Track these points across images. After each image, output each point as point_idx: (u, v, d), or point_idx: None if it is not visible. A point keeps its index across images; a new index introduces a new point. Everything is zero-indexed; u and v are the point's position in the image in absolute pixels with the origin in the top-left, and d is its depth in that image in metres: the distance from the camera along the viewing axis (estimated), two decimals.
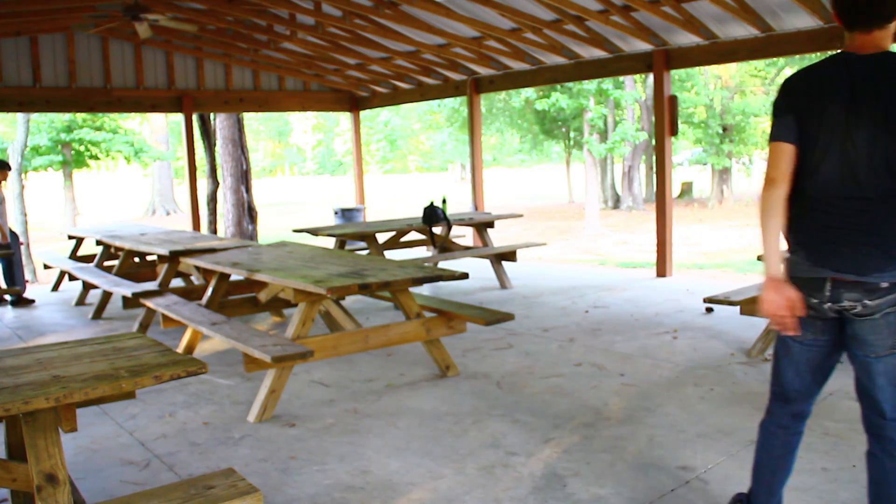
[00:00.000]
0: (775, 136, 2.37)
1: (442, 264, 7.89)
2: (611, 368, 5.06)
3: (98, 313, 7.42)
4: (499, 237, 15.00)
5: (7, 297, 8.22)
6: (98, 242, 8.01)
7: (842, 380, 4.61)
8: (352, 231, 7.51)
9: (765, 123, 24.10)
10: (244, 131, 13.46)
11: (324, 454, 3.78)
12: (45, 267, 9.04)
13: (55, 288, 9.15)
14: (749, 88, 22.88)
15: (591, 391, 4.60)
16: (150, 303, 5.91)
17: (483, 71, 10.20)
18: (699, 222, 19.71)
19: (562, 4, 7.34)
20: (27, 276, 15.04)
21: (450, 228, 8.20)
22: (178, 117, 15.04)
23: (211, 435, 4.13)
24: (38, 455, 2.48)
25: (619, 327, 6.23)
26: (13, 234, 8.57)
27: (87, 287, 8.03)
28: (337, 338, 4.54)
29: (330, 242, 9.64)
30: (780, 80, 23.05)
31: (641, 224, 20.12)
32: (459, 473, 3.49)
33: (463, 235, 9.30)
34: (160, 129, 29.86)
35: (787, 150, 2.35)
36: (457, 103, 22.89)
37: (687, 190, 27.02)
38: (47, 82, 9.79)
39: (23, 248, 10.01)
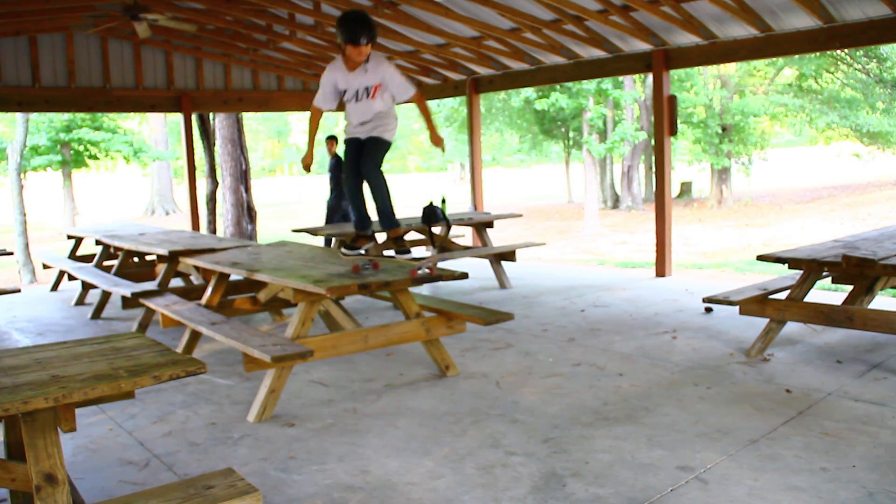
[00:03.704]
0: None
1: (441, 264, 7.88)
2: (610, 368, 5.06)
3: (97, 313, 7.42)
4: (498, 237, 15.00)
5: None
6: (97, 242, 8.00)
7: (841, 379, 4.61)
8: (351, 231, 7.50)
9: (765, 123, 24.12)
10: (243, 131, 13.47)
11: (323, 454, 3.78)
12: (45, 267, 9.03)
13: (54, 288, 9.15)
14: (749, 88, 22.88)
15: (591, 391, 4.60)
16: (149, 303, 5.91)
17: (482, 71, 10.20)
18: (698, 222, 19.72)
19: (561, 4, 7.34)
20: (26, 276, 15.04)
21: (449, 228, 8.20)
22: (178, 117, 15.05)
23: (210, 435, 4.12)
24: (38, 455, 2.48)
25: (619, 327, 6.23)
26: None
27: (87, 287, 8.02)
28: (336, 338, 4.54)
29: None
30: (780, 79, 23.09)
31: (641, 224, 20.13)
32: (459, 473, 3.49)
33: (462, 235, 9.29)
34: (159, 129, 29.85)
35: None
36: (456, 103, 22.89)
37: (686, 190, 27.02)
38: (46, 82, 9.78)
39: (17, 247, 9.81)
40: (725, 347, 5.45)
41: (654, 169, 8.81)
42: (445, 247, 8.30)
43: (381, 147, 4.85)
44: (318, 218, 21.90)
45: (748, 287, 5.50)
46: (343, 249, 5.00)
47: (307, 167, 5.04)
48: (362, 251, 4.97)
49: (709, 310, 6.59)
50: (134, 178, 45.16)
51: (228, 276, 5.60)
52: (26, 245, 15.36)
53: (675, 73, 19.25)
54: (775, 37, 7.24)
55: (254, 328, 4.71)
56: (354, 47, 4.56)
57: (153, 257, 7.91)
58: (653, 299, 7.29)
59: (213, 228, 13.34)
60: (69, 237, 8.96)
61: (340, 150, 11.15)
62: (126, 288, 6.38)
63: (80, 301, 8.15)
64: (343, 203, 10.92)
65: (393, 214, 4.96)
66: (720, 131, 22.22)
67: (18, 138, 16.25)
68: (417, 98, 4.81)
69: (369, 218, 5.10)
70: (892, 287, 5.57)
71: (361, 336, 4.61)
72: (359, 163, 4.85)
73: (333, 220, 11.06)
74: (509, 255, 8.21)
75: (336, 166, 10.90)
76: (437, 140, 4.98)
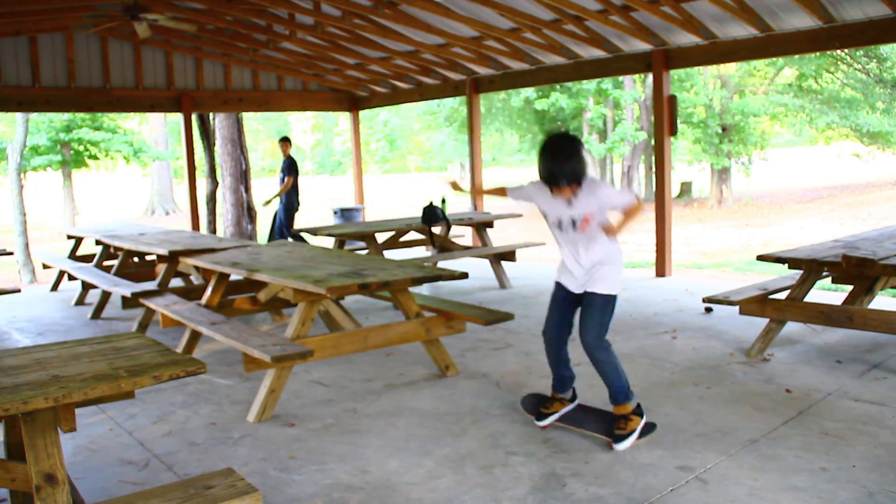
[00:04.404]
0: None
1: (441, 264, 7.89)
2: None
3: (97, 313, 7.42)
4: (498, 237, 14.99)
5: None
6: (97, 242, 8.01)
7: (841, 380, 4.61)
8: (351, 231, 7.51)
9: (765, 123, 24.11)
10: (243, 131, 13.46)
11: (323, 454, 3.78)
12: (45, 266, 9.03)
13: (54, 287, 9.15)
14: (749, 88, 22.88)
15: (590, 391, 4.59)
16: (149, 302, 5.91)
17: (482, 71, 10.20)
18: (698, 222, 19.70)
19: (561, 4, 7.34)
20: (26, 276, 15.05)
21: (449, 228, 8.20)
22: (178, 117, 15.05)
23: (210, 435, 4.12)
24: (38, 455, 2.48)
25: (619, 327, 6.22)
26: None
27: (87, 287, 8.02)
28: (336, 338, 4.54)
29: (329, 242, 9.64)
30: (780, 79, 23.08)
31: (641, 224, 20.08)
32: (458, 473, 3.49)
33: (462, 235, 9.29)
34: (159, 129, 29.85)
35: None
36: (456, 103, 22.89)
37: (686, 190, 27.01)
38: (46, 82, 9.78)
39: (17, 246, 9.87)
40: (725, 347, 5.45)
41: (654, 169, 8.81)
42: (445, 247, 8.30)
43: (602, 306, 3.69)
44: (318, 218, 21.94)
45: (748, 287, 5.50)
46: (536, 421, 3.96)
47: (455, 188, 4.25)
48: (557, 414, 3.95)
49: (709, 310, 6.59)
50: (134, 178, 45.13)
51: (228, 276, 5.60)
52: (26, 245, 15.35)
53: (675, 73, 19.25)
54: (775, 37, 7.24)
55: (254, 328, 4.72)
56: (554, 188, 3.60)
57: (153, 257, 7.91)
58: (653, 299, 7.29)
59: (213, 228, 13.34)
60: (69, 237, 8.96)
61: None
62: (126, 288, 6.38)
63: (80, 301, 8.15)
64: (294, 201, 11.17)
65: (627, 388, 3.77)
66: (720, 131, 22.21)
67: (18, 138, 16.23)
68: (634, 205, 3.70)
69: (570, 378, 3.97)
70: (892, 287, 5.57)
71: (361, 336, 4.61)
72: (563, 316, 3.83)
73: (292, 222, 11.26)
74: (509, 255, 8.21)
75: (289, 167, 11.10)
76: (610, 231, 3.66)
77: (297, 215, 11.30)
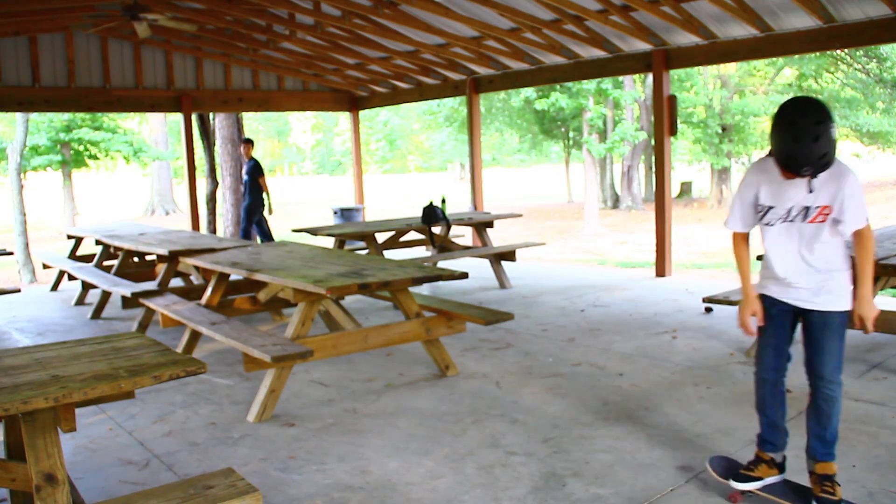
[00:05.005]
0: None
1: (441, 264, 7.89)
2: (610, 368, 5.06)
3: (97, 313, 7.42)
4: (498, 237, 15.00)
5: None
6: (97, 242, 8.01)
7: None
8: (351, 231, 7.51)
9: (765, 123, 24.11)
10: (243, 131, 13.46)
11: (323, 454, 3.78)
12: (45, 266, 9.03)
13: (54, 287, 9.14)
14: (749, 88, 22.88)
15: (591, 391, 4.60)
16: (149, 302, 5.91)
17: (482, 71, 10.20)
18: (698, 222, 19.71)
19: (561, 4, 7.34)
20: (26, 276, 15.06)
21: (449, 228, 8.20)
22: (178, 117, 15.05)
23: (210, 435, 4.12)
24: (38, 455, 2.48)
25: (619, 327, 6.23)
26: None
27: (87, 287, 8.02)
28: (336, 337, 4.54)
29: (329, 242, 9.65)
30: (780, 79, 23.06)
31: (640, 224, 20.12)
32: (458, 473, 3.49)
33: (462, 235, 9.30)
34: (159, 129, 29.85)
35: None
36: (456, 103, 22.89)
37: (686, 190, 27.03)
38: (46, 82, 9.78)
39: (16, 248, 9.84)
40: (725, 347, 5.45)
41: (654, 169, 8.81)
42: (445, 247, 8.30)
43: (842, 328, 2.95)
44: (318, 218, 21.95)
45: None
46: (734, 482, 3.10)
47: (750, 319, 3.10)
48: (762, 482, 3.10)
49: (709, 310, 6.59)
50: (134, 178, 45.18)
51: (228, 276, 5.60)
52: (26, 245, 15.35)
53: (675, 73, 19.24)
54: (775, 37, 7.24)
55: (254, 328, 4.71)
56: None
57: (153, 257, 7.91)
58: (653, 299, 7.29)
59: (213, 228, 13.33)
60: (69, 237, 8.96)
61: (257, 153, 11.44)
62: (126, 288, 6.38)
63: (80, 301, 8.15)
64: (259, 202, 11.20)
65: (835, 442, 3.01)
66: (720, 131, 22.21)
67: (18, 138, 16.23)
68: (864, 232, 2.90)
69: (785, 433, 3.15)
70: (893, 287, 5.57)
71: (361, 336, 4.61)
72: (782, 340, 3.04)
73: (251, 223, 11.33)
74: (509, 255, 8.21)
75: (254, 168, 11.14)
76: (863, 310, 2.94)
77: (261, 216, 11.34)
